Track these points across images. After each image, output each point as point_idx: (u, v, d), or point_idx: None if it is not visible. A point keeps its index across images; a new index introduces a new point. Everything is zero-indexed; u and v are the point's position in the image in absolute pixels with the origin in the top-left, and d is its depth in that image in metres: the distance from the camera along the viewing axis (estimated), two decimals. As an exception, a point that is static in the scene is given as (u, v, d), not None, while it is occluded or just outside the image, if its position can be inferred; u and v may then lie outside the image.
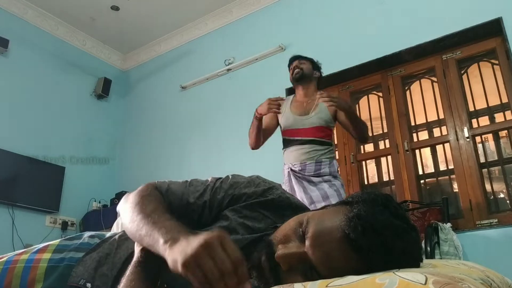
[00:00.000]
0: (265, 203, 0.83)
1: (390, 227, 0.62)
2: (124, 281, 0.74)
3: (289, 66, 2.60)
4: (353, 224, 0.62)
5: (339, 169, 2.45)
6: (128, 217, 0.78)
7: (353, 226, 0.61)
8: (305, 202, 2.21)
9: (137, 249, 0.80)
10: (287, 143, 2.46)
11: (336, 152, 3.38)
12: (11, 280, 0.86)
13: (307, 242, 0.65)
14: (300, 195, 2.28)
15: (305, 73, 2.48)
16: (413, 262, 0.63)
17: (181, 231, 0.65)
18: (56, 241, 0.97)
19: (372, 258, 0.60)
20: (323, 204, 2.05)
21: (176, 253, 0.59)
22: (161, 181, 0.90)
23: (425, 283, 0.49)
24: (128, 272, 0.76)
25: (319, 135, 2.38)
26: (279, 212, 0.82)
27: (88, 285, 0.82)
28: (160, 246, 0.64)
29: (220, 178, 0.90)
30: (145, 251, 0.77)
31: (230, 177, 0.90)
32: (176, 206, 0.84)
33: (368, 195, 0.68)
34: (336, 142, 3.40)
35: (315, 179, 2.31)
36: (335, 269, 0.61)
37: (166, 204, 0.81)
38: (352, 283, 0.53)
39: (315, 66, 2.57)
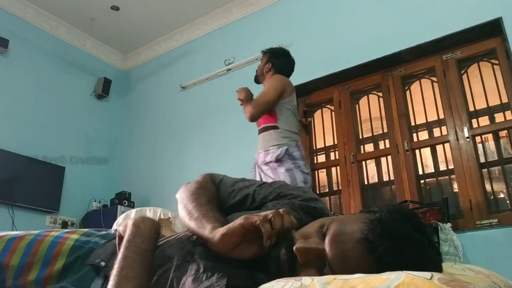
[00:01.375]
0: (307, 208, 0.88)
1: (409, 237, 0.63)
2: (119, 257, 0.76)
3: None
4: (372, 226, 0.64)
5: (301, 153, 2.40)
6: (183, 203, 0.91)
7: (373, 228, 0.64)
8: None
9: (129, 224, 0.83)
10: None
11: (336, 152, 3.39)
12: (38, 250, 0.93)
13: (326, 239, 0.67)
14: None
15: (257, 75, 2.66)
16: None
17: (224, 223, 0.79)
18: (86, 229, 1.05)
19: (385, 262, 0.60)
20: None
21: (224, 228, 0.74)
22: (217, 174, 1.04)
23: (430, 279, 0.50)
24: (122, 248, 0.78)
25: (261, 122, 2.49)
26: None
27: (103, 263, 0.87)
28: (207, 230, 0.78)
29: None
30: (137, 226, 0.81)
31: (282, 182, 0.99)
32: (223, 193, 0.96)
33: (393, 206, 0.70)
34: (336, 142, 3.40)
35: (263, 167, 2.40)
36: (350, 268, 0.62)
37: (217, 197, 0.94)
38: (358, 278, 0.55)
39: (271, 56, 2.60)
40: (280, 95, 2.43)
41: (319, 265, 0.67)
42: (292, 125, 2.45)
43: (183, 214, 0.88)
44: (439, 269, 0.64)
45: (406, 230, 0.64)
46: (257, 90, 2.58)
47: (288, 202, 0.88)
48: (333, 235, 0.67)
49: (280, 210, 0.75)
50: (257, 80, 2.67)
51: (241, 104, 2.54)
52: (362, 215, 0.69)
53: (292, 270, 0.68)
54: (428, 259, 0.63)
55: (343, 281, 0.54)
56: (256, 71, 2.66)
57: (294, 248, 0.68)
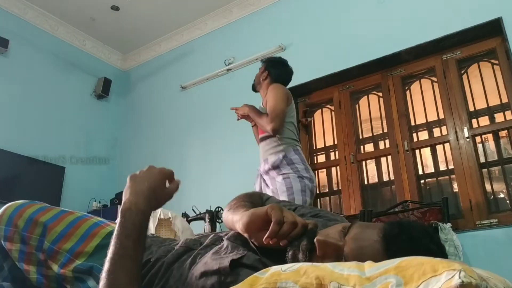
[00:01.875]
0: None
1: (423, 243, 0.68)
2: (108, 257, 0.76)
3: None
4: (392, 227, 0.70)
5: (300, 157, 2.36)
6: (228, 205, 1.00)
7: (392, 228, 0.69)
8: None
9: (119, 210, 0.84)
10: None
11: (336, 152, 3.39)
12: (81, 225, 1.05)
13: (347, 237, 0.72)
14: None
15: (254, 83, 2.65)
16: None
17: None
18: None
19: None
20: None
21: (253, 209, 0.82)
22: (266, 194, 1.15)
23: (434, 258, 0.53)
24: (110, 245, 0.78)
25: (260, 132, 2.49)
26: None
27: None
28: (239, 213, 0.86)
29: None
30: (123, 216, 0.81)
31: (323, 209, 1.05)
32: None
33: (417, 221, 0.75)
34: (336, 142, 3.40)
35: (265, 177, 2.41)
36: None
37: (259, 204, 1.02)
38: (368, 261, 0.58)
39: (268, 65, 2.59)
40: (287, 103, 2.42)
41: (335, 260, 0.70)
42: (290, 133, 2.42)
43: (225, 210, 0.98)
44: None
45: (422, 236, 0.68)
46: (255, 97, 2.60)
47: (322, 221, 0.94)
48: (354, 234, 0.72)
49: (303, 221, 0.78)
50: (254, 88, 2.66)
51: (249, 120, 2.56)
52: (383, 223, 0.74)
53: (308, 260, 0.72)
54: None
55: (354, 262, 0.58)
56: (254, 80, 2.65)
57: (315, 239, 0.72)
